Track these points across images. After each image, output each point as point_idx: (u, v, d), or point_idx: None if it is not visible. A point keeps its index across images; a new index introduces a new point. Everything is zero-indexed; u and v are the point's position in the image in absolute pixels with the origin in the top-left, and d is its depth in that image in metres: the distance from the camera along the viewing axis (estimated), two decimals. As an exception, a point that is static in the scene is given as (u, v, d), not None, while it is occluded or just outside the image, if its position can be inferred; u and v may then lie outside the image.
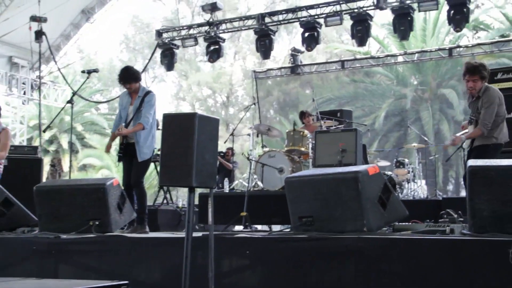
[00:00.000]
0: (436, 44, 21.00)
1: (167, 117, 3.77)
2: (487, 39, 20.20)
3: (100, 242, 5.14)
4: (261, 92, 19.12)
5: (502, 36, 19.95)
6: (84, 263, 5.09)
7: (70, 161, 9.70)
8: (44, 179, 10.61)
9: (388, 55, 16.44)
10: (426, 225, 4.42)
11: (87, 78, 7.14)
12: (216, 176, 3.87)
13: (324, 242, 4.03)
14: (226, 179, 10.22)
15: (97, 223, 5.37)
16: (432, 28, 21.95)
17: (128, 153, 6.40)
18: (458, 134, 5.99)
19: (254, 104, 10.50)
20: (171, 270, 4.50)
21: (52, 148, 26.38)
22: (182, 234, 5.15)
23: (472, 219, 3.62)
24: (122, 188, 5.87)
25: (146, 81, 34.97)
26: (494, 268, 3.39)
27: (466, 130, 6.00)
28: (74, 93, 7.20)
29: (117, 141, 6.71)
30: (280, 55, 28.66)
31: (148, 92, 6.48)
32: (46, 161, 22.53)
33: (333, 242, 3.99)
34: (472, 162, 3.67)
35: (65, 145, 25.75)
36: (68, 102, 6.96)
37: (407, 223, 4.63)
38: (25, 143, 18.36)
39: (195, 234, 4.69)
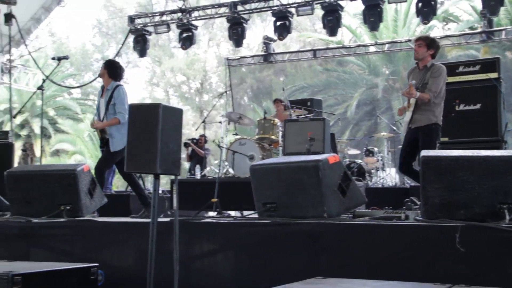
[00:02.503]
0: (407, 34, 21.32)
1: (133, 108, 3.95)
2: (456, 30, 20.61)
3: (70, 226, 5.25)
4: (235, 79, 19.21)
5: (471, 28, 20.37)
6: (55, 246, 5.21)
7: (41, 146, 9.66)
8: (15, 164, 10.61)
9: (359, 45, 16.69)
10: (384, 211, 4.66)
11: (58, 65, 7.19)
12: (180, 164, 4.03)
13: (286, 227, 4.23)
14: (197, 166, 10.36)
15: (68, 207, 5.46)
16: (404, 18, 22.29)
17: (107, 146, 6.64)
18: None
19: (226, 92, 10.62)
20: (140, 254, 4.66)
21: (23, 132, 26.14)
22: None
23: (424, 206, 3.85)
24: (93, 173, 5.98)
25: (119, 67, 34.66)
26: (443, 251, 3.63)
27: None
28: (44, 80, 7.24)
29: None
30: (254, 43, 28.78)
31: (117, 86, 6.65)
32: (18, 146, 22.35)
33: (294, 227, 4.19)
34: (424, 152, 3.89)
35: (37, 129, 25.55)
36: (39, 88, 7.03)
37: (366, 210, 4.86)
38: (-5, 128, 18.23)
39: (164, 219, 4.86)
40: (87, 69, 34.48)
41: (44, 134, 26.13)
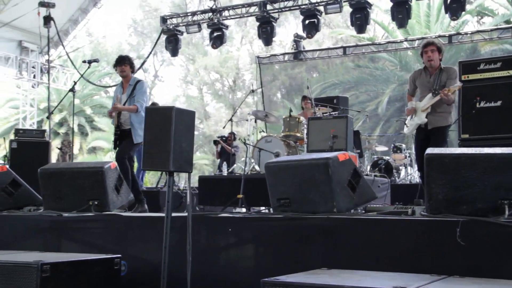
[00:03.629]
0: (441, 29, 21.16)
1: (149, 110, 4.30)
2: (491, 25, 20.29)
3: (98, 220, 5.57)
4: (267, 76, 19.37)
5: (507, 22, 20.05)
6: (84, 239, 5.54)
7: (72, 145, 10.14)
8: (53, 161, 11.08)
9: (389, 42, 16.67)
10: (394, 207, 4.81)
11: (88, 67, 7.52)
12: (192, 162, 4.28)
13: (297, 222, 4.44)
14: (224, 163, 10.59)
15: (96, 203, 5.77)
16: (436, 14, 22.08)
17: (122, 138, 6.87)
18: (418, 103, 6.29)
19: (253, 91, 10.81)
20: (160, 246, 4.88)
21: (62, 130, 26.92)
22: (177, 214, 5.54)
23: (428, 202, 4.00)
24: (119, 171, 6.28)
25: (154, 65, 35.36)
26: (445, 245, 3.78)
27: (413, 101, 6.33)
28: (75, 82, 7.56)
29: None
30: (286, 40, 28.95)
31: (139, 81, 6.95)
32: (55, 143, 23.13)
33: (305, 222, 4.39)
34: (429, 150, 4.03)
35: (74, 127, 26.29)
36: (70, 90, 7.36)
37: (378, 205, 5.01)
38: (35, 126, 18.91)
39: (184, 214, 5.11)
40: (123, 68, 35.03)
41: (81, 132, 26.89)
